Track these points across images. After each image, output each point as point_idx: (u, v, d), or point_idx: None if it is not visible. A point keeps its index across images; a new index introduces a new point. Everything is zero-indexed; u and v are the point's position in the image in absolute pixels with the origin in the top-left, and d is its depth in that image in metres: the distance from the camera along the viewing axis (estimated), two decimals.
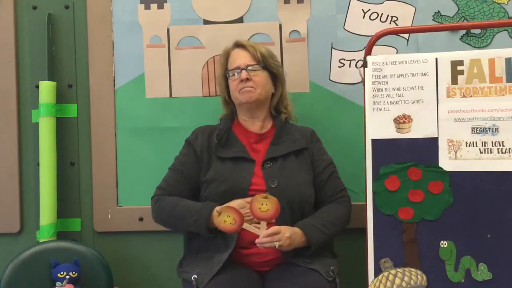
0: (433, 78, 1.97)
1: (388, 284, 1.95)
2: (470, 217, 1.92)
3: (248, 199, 1.94)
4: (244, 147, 2.10)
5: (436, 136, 1.96)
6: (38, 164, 2.41)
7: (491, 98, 1.93)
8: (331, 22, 2.39)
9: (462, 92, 1.95)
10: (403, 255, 1.97)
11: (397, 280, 1.95)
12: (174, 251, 2.32)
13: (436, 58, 1.98)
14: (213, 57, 2.40)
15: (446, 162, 1.95)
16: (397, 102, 2.00)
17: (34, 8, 2.47)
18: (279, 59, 2.31)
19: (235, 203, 1.95)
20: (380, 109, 2.01)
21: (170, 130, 2.42)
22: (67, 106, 2.48)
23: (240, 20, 2.42)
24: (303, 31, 2.40)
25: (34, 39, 2.47)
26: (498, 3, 2.33)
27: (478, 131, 1.93)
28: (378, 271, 1.98)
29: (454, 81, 1.96)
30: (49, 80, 2.43)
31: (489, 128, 1.92)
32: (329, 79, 2.40)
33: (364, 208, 2.02)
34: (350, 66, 2.38)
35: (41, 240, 2.36)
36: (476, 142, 1.93)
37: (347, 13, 2.38)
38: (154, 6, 2.44)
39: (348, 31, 2.39)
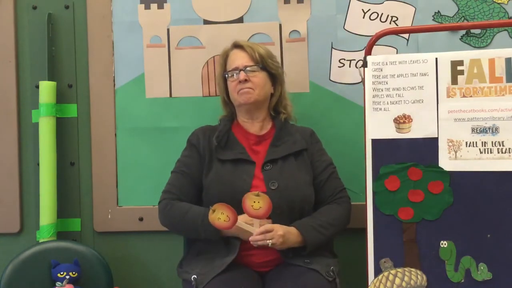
0: (433, 78, 1.97)
1: (388, 284, 1.95)
2: (470, 217, 1.92)
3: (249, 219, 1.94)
4: (244, 149, 2.10)
5: (436, 136, 1.96)
6: (38, 164, 2.41)
7: (491, 98, 1.93)
8: (331, 22, 2.39)
9: (462, 92, 1.95)
10: (403, 255, 1.97)
11: (397, 280, 1.95)
12: (174, 251, 2.32)
13: (436, 58, 1.98)
14: (213, 57, 2.40)
15: (446, 162, 1.95)
16: (397, 102, 2.00)
17: (34, 8, 2.47)
18: (279, 59, 2.31)
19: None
20: (380, 109, 2.01)
21: (170, 130, 2.42)
22: (67, 106, 2.48)
23: (240, 20, 2.42)
24: (303, 31, 2.40)
25: (34, 39, 2.47)
26: (498, 3, 2.33)
27: (478, 131, 1.93)
28: (378, 271, 1.98)
29: (454, 81, 1.96)
30: (49, 80, 2.43)
31: (489, 128, 1.92)
32: (329, 79, 2.40)
33: (364, 208, 2.02)
34: (350, 66, 2.38)
35: (41, 240, 2.36)
36: (476, 142, 1.93)
37: (347, 13, 2.38)
38: (154, 6, 2.44)
39: (348, 31, 2.39)
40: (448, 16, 2.36)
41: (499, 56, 1.93)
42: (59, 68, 2.48)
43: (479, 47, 2.33)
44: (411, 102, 1.99)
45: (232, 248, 1.98)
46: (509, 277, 1.89)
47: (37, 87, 2.43)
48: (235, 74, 2.09)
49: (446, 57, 1.97)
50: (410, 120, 1.98)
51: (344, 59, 2.39)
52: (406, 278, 1.95)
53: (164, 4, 2.44)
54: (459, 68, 1.96)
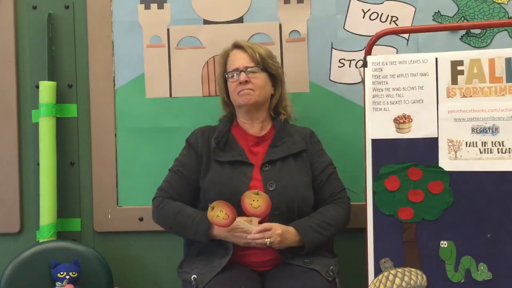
0: (433, 78, 1.97)
1: (388, 284, 1.95)
2: (470, 217, 1.92)
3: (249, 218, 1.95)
4: (243, 151, 2.09)
5: (436, 136, 1.96)
6: (38, 164, 2.41)
7: (491, 98, 1.93)
8: (331, 22, 2.39)
9: (462, 92, 1.95)
10: (403, 255, 1.97)
11: (397, 280, 1.95)
12: (174, 252, 2.32)
13: (436, 58, 1.98)
14: (213, 57, 2.40)
15: (446, 162, 1.95)
16: (397, 102, 2.00)
17: (34, 8, 2.47)
18: (279, 59, 2.31)
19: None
20: (380, 109, 2.01)
21: (170, 130, 2.42)
22: (67, 106, 2.48)
23: (240, 20, 2.42)
24: (303, 31, 2.40)
25: (34, 39, 2.47)
26: (498, 3, 2.33)
27: (478, 131, 1.93)
28: (378, 271, 1.98)
29: (454, 81, 1.96)
30: (49, 80, 2.43)
31: (489, 128, 1.92)
32: (329, 79, 2.40)
33: (364, 208, 2.02)
34: (350, 66, 2.38)
35: (41, 240, 2.36)
36: (476, 142, 1.93)
37: (347, 13, 2.38)
38: (154, 6, 2.44)
39: (348, 31, 2.39)
40: (448, 16, 2.36)
41: (499, 56, 1.93)
42: (59, 68, 2.48)
43: (479, 47, 2.33)
44: (411, 102, 1.99)
45: (227, 248, 1.98)
46: (509, 277, 1.89)
47: (37, 87, 2.43)
48: (235, 75, 2.08)
49: (446, 57, 1.97)
50: (410, 120, 1.98)
51: (344, 59, 2.39)
52: (406, 278, 1.95)
53: (164, 4, 2.44)
54: (459, 68, 1.96)
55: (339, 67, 2.39)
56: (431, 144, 1.96)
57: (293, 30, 2.41)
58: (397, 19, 2.37)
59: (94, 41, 2.45)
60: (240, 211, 1.92)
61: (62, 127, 2.47)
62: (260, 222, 1.94)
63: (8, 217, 2.47)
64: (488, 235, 1.91)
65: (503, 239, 1.89)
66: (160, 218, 2.10)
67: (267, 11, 2.41)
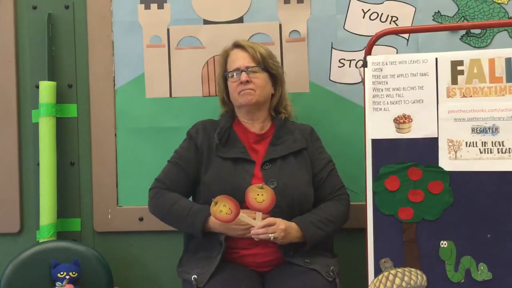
0: (433, 78, 1.97)
1: (388, 284, 1.95)
2: (470, 217, 1.92)
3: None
4: (245, 148, 2.10)
5: (436, 136, 1.96)
6: (38, 164, 2.41)
7: (491, 98, 1.93)
8: (331, 22, 2.39)
9: (462, 92, 1.95)
10: (403, 255, 1.97)
11: (397, 280, 1.95)
12: (174, 251, 2.31)
13: (436, 58, 1.98)
14: (213, 57, 2.40)
15: (446, 162, 1.95)
16: (397, 102, 2.00)
17: (34, 8, 2.47)
18: (279, 59, 2.31)
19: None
20: (380, 109, 2.01)
21: (170, 130, 2.42)
22: (67, 106, 2.48)
23: (240, 20, 2.42)
24: (303, 31, 2.40)
25: (34, 39, 2.47)
26: (498, 3, 2.33)
27: (478, 131, 1.93)
28: (378, 271, 1.98)
29: (454, 81, 1.96)
30: (49, 80, 2.43)
31: (489, 128, 1.92)
32: (329, 79, 2.40)
33: (364, 208, 2.02)
34: (350, 66, 2.38)
35: (41, 240, 2.36)
36: (476, 142, 1.93)
37: (347, 13, 2.38)
38: (154, 6, 2.44)
39: (348, 31, 2.39)
40: (448, 16, 2.36)
41: (499, 56, 1.93)
42: (59, 68, 2.48)
43: (479, 47, 2.33)
44: (411, 102, 1.99)
45: (221, 242, 1.98)
46: (509, 277, 1.89)
47: (37, 87, 2.43)
48: (236, 75, 2.08)
49: (446, 57, 1.97)
50: (410, 120, 1.98)
51: (344, 59, 2.39)
52: (406, 278, 1.95)
53: (164, 4, 2.44)
54: (459, 68, 1.96)
55: (339, 67, 2.39)
56: (431, 144, 1.96)
57: (293, 30, 2.41)
58: (397, 19, 2.37)
59: (94, 41, 2.45)
60: (242, 207, 1.92)
61: (62, 127, 2.47)
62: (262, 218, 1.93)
63: (8, 217, 2.47)
64: (488, 235, 1.91)
65: (503, 239, 1.89)
66: (155, 209, 2.10)
67: (267, 11, 2.41)
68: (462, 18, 2.35)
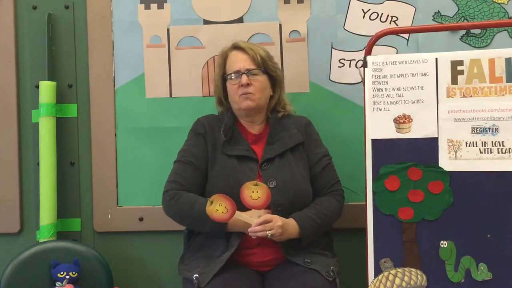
0: (433, 78, 1.97)
1: (388, 284, 1.95)
2: (470, 217, 1.92)
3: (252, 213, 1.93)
4: (249, 145, 2.10)
5: (436, 136, 1.96)
6: (38, 164, 2.41)
7: (491, 98, 1.93)
8: (331, 22, 2.39)
9: (462, 92, 1.95)
10: (403, 255, 1.97)
11: (397, 280, 1.95)
12: (175, 251, 2.31)
13: (436, 58, 1.98)
14: (213, 57, 2.40)
15: (446, 162, 1.95)
16: (397, 102, 2.00)
17: (34, 8, 2.47)
18: (279, 59, 2.31)
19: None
20: (380, 109, 2.01)
21: (170, 130, 2.42)
22: (67, 106, 2.48)
23: (240, 20, 2.42)
24: (303, 31, 2.40)
25: (34, 39, 2.47)
26: (498, 3, 2.34)
27: (478, 131, 1.93)
28: (378, 271, 1.98)
29: (454, 81, 1.96)
30: (49, 80, 2.43)
31: (489, 128, 1.92)
32: (329, 79, 2.40)
33: (364, 208, 2.02)
34: (350, 66, 2.38)
35: (41, 240, 2.36)
36: (476, 142, 1.93)
37: (347, 13, 2.38)
38: (154, 6, 2.44)
39: (348, 31, 2.39)
40: (448, 16, 2.36)
41: (499, 56, 1.93)
42: (59, 68, 2.48)
43: (479, 47, 2.33)
44: (411, 102, 1.99)
45: (232, 244, 1.98)
46: (509, 277, 1.89)
47: (37, 87, 2.43)
48: (236, 77, 2.07)
49: (446, 57, 1.97)
50: (410, 120, 1.98)
51: (344, 59, 2.39)
52: (406, 278, 1.95)
53: (164, 4, 2.44)
54: (459, 68, 1.96)
55: (339, 67, 2.39)
56: (431, 144, 1.96)
57: (293, 30, 2.41)
58: (397, 19, 2.37)
59: (94, 41, 2.45)
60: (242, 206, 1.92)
61: (62, 127, 2.47)
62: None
63: (8, 217, 2.47)
64: (488, 235, 1.91)
65: (503, 239, 1.89)
66: (173, 211, 2.06)
67: (267, 11, 2.41)
68: (462, 18, 2.35)
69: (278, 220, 1.91)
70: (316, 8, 2.40)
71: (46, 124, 2.40)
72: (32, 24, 2.47)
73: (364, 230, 2.01)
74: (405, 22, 2.36)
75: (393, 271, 1.96)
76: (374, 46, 2.07)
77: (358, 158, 2.13)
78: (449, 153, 1.95)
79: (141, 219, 2.44)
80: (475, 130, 1.93)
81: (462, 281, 1.92)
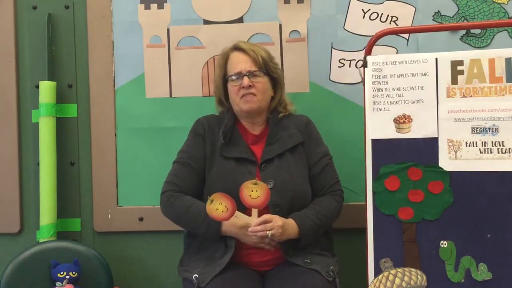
0: (433, 78, 1.97)
1: (388, 284, 1.95)
2: (470, 217, 1.92)
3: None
4: (248, 147, 2.09)
5: (436, 136, 1.96)
6: (38, 164, 2.41)
7: (491, 98, 1.93)
8: (331, 22, 2.39)
9: (462, 92, 1.95)
10: (403, 255, 1.97)
11: (397, 280, 1.95)
12: (174, 251, 2.32)
13: (436, 58, 1.98)
14: (213, 57, 2.40)
15: (446, 162, 1.95)
16: (397, 102, 2.00)
17: (34, 8, 2.47)
18: (279, 59, 2.31)
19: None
20: (380, 109, 2.01)
21: (170, 130, 2.42)
22: (67, 106, 2.48)
23: (240, 20, 2.42)
24: (303, 31, 2.40)
25: (34, 39, 2.47)
26: (498, 3, 2.33)
27: (478, 131, 1.93)
28: (378, 271, 1.98)
29: (454, 81, 1.96)
30: (49, 80, 2.43)
31: (489, 128, 1.92)
32: (329, 79, 2.40)
33: (364, 208, 2.02)
34: (350, 66, 2.38)
35: (41, 240, 2.36)
36: (476, 142, 1.93)
37: (347, 13, 2.38)
38: (154, 6, 2.44)
39: (348, 31, 2.39)
40: (448, 16, 2.36)
41: (499, 56, 1.93)
42: (59, 68, 2.48)
43: (479, 47, 2.33)
44: (411, 102, 1.99)
45: (230, 245, 1.98)
46: (509, 277, 1.89)
47: (37, 87, 2.43)
48: (237, 79, 2.07)
49: (446, 57, 1.97)
50: (410, 120, 1.98)
51: (344, 59, 2.39)
52: (406, 278, 1.95)
53: (164, 4, 2.44)
54: (459, 68, 1.96)
55: (339, 67, 2.39)
56: (431, 144, 1.96)
57: (293, 30, 2.41)
58: (397, 19, 2.37)
59: (94, 41, 2.45)
60: (243, 210, 1.91)
61: (62, 127, 2.47)
62: (260, 215, 1.92)
63: (8, 217, 2.47)
64: (488, 235, 1.91)
65: (503, 239, 1.89)
66: (169, 212, 2.08)
67: (267, 11, 2.41)
68: (462, 18, 2.35)
69: (278, 220, 1.91)
70: (316, 8, 2.40)
71: (46, 124, 2.40)
72: (32, 24, 2.47)
73: (364, 230, 2.01)
74: (405, 22, 2.36)
75: (393, 271, 1.96)
76: (374, 46, 2.07)
77: (358, 158, 2.13)
78: (449, 153, 1.95)
79: (141, 219, 2.44)
80: (475, 130, 1.93)
81: (462, 281, 1.92)
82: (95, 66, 2.46)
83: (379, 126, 2.01)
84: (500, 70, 1.93)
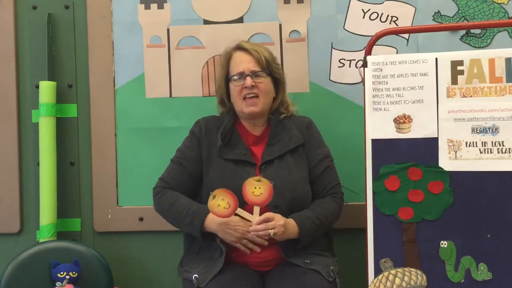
0: (433, 78, 1.97)
1: (388, 284, 1.95)
2: (470, 217, 1.92)
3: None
4: (247, 149, 2.09)
5: (436, 136, 1.96)
6: (38, 164, 2.41)
7: (491, 98, 1.93)
8: (331, 22, 2.39)
9: (462, 92, 1.95)
10: (403, 255, 1.97)
11: (397, 280, 1.95)
12: (174, 251, 2.32)
13: (436, 58, 1.98)
14: (213, 57, 2.40)
15: (446, 162, 1.95)
16: (397, 102, 2.00)
17: (34, 8, 2.47)
18: (279, 59, 2.30)
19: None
20: (380, 109, 2.01)
21: (170, 130, 2.42)
22: (67, 106, 2.48)
23: (240, 20, 2.42)
24: (303, 31, 2.40)
25: (34, 39, 2.47)
26: (498, 3, 2.33)
27: (478, 131, 1.93)
28: (378, 271, 1.98)
29: (454, 81, 1.96)
30: (49, 80, 2.43)
31: (489, 128, 1.92)
32: (329, 79, 2.40)
33: (364, 208, 2.02)
34: (350, 66, 2.38)
35: (41, 240, 2.36)
36: (476, 142, 1.93)
37: (347, 13, 2.38)
38: (154, 6, 2.44)
39: (348, 31, 2.39)
40: (448, 16, 2.36)
41: (499, 56, 1.93)
42: (59, 68, 2.48)
43: (479, 47, 2.33)
44: (411, 102, 1.99)
45: (221, 248, 1.98)
46: (509, 277, 1.89)
47: (37, 87, 2.43)
48: (240, 79, 2.06)
49: (446, 57, 1.97)
50: (410, 120, 1.98)
51: (344, 59, 2.39)
52: (406, 278, 1.95)
53: (164, 4, 2.44)
54: (459, 68, 1.96)
55: (339, 67, 2.39)
56: (431, 144, 1.96)
57: (293, 30, 2.41)
58: (397, 19, 2.37)
59: (94, 41, 2.45)
60: (244, 208, 1.91)
61: (62, 127, 2.47)
62: (260, 213, 1.91)
63: (8, 217, 2.47)
64: (488, 235, 1.91)
65: (503, 239, 1.89)
66: (157, 208, 2.11)
67: (267, 11, 2.41)
68: (462, 18, 2.35)
69: (280, 219, 1.91)
70: (316, 8, 2.40)
71: (46, 124, 2.40)
72: (32, 24, 2.47)
73: (364, 230, 2.01)
74: (405, 22, 2.36)
75: (393, 271, 1.96)
76: (374, 46, 2.07)
77: (358, 158, 2.12)
78: (449, 153, 1.95)
79: (141, 219, 2.44)
80: (475, 130, 1.93)
81: (462, 281, 1.92)
82: (95, 66, 2.46)
83: (379, 126, 2.01)
84: (500, 70, 1.93)
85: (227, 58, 2.13)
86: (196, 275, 1.93)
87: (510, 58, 1.92)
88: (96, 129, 2.46)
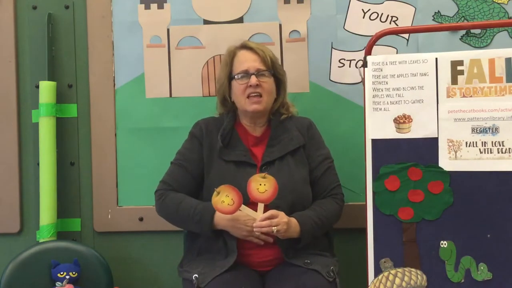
0: (433, 78, 1.97)
1: (388, 284, 1.95)
2: (470, 217, 1.92)
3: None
4: (247, 151, 2.09)
5: (436, 136, 1.96)
6: (38, 164, 2.41)
7: (491, 98, 1.93)
8: (331, 22, 2.39)
9: (462, 92, 1.95)
10: (403, 255, 1.97)
11: (397, 280, 1.95)
12: (174, 251, 2.32)
13: (436, 58, 1.98)
14: (213, 57, 2.40)
15: (446, 162, 1.95)
16: (397, 102, 2.00)
17: (34, 8, 2.47)
18: (279, 59, 2.30)
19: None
20: (380, 109, 2.01)
21: (170, 130, 2.42)
22: (67, 106, 2.48)
23: (240, 20, 2.42)
24: (303, 31, 2.40)
25: (34, 39, 2.47)
26: (498, 3, 2.33)
27: (478, 131, 1.93)
28: (378, 271, 1.98)
29: (454, 81, 1.96)
30: (49, 80, 2.43)
31: (489, 128, 1.92)
32: (329, 79, 2.40)
33: (364, 208, 2.02)
34: (350, 66, 2.38)
35: (41, 240, 2.36)
36: (476, 142, 1.93)
37: (347, 13, 2.38)
38: (154, 6, 2.44)
39: (348, 31, 2.39)
40: (448, 16, 2.36)
41: (499, 56, 1.93)
42: (59, 68, 2.48)
43: (479, 47, 2.33)
44: (411, 102, 1.99)
45: (231, 248, 1.98)
46: (509, 277, 1.89)
47: (37, 87, 2.43)
48: (244, 77, 2.06)
49: (446, 57, 1.97)
50: (410, 120, 1.98)
51: (344, 59, 2.39)
52: (406, 278, 1.95)
53: (164, 4, 2.44)
54: (459, 68, 1.96)
55: (339, 67, 2.39)
56: (431, 144, 1.96)
57: (293, 30, 2.41)
58: (397, 19, 2.37)
59: (94, 41, 2.45)
60: (246, 204, 1.91)
61: (62, 127, 2.47)
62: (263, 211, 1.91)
63: (8, 217, 2.47)
64: (488, 235, 1.91)
65: (503, 239, 1.89)
66: (162, 211, 2.09)
67: (267, 11, 2.41)
68: (462, 18, 2.35)
69: (284, 217, 1.91)
70: (316, 8, 2.40)
71: (46, 124, 2.40)
72: (32, 24, 2.47)
73: (364, 230, 2.01)
74: (405, 22, 2.36)
75: (393, 271, 1.96)
76: (374, 46, 2.07)
77: (358, 158, 2.13)
78: (449, 153, 1.95)
79: (141, 219, 2.44)
80: (475, 130, 1.93)
81: (462, 281, 1.92)
82: (95, 66, 2.46)
83: (379, 126, 2.01)
84: (500, 70, 1.93)
85: (231, 56, 2.12)
86: (196, 275, 1.93)
87: (510, 58, 1.92)
88: (96, 129, 2.46)
